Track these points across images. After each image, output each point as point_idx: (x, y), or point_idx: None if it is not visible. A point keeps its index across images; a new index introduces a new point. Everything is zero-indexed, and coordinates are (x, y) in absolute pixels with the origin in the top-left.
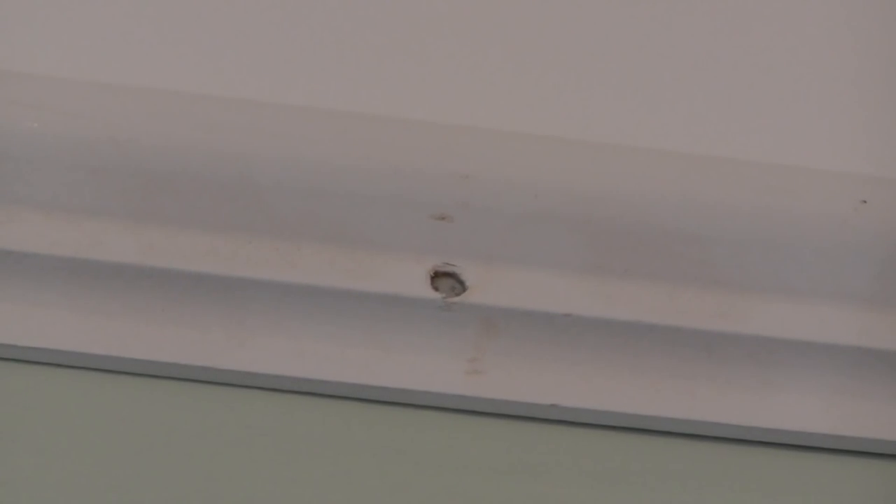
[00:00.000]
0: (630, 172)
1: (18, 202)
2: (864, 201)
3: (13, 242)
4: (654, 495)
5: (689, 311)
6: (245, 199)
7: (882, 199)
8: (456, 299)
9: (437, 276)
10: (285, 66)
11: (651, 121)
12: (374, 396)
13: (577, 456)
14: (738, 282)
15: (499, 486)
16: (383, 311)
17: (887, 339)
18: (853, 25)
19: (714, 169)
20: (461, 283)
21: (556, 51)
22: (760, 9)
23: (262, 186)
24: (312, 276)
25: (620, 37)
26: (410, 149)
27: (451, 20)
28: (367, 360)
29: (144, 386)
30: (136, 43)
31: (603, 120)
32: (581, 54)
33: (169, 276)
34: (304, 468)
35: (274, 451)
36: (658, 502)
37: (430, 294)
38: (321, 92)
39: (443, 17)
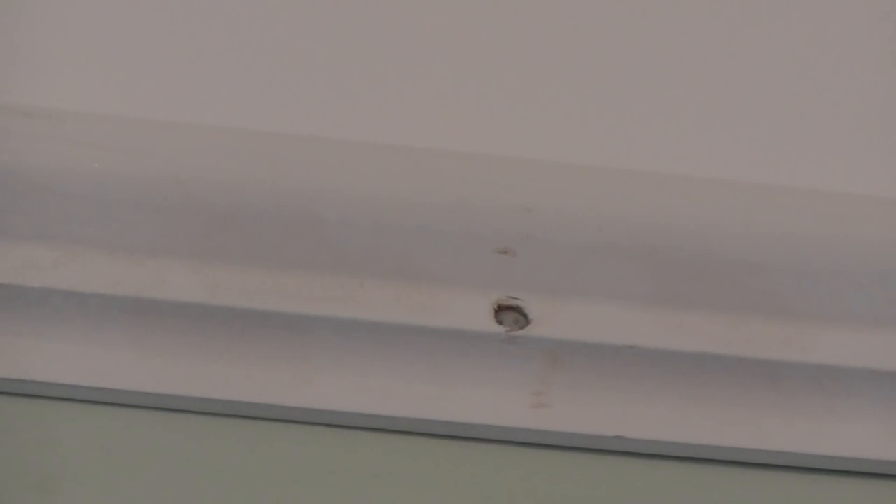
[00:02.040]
0: (692, 203)
1: (81, 242)
2: None
3: (77, 283)
4: None
5: (753, 340)
6: (308, 236)
7: None
8: (520, 333)
9: (500, 310)
10: (347, 101)
11: (713, 151)
12: (440, 431)
13: (643, 488)
14: (802, 310)
15: None
16: (448, 346)
17: None
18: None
19: (776, 198)
20: (525, 316)
21: (618, 81)
22: (815, 36)
23: (325, 222)
24: (376, 311)
25: (680, 68)
26: (473, 182)
27: (511, 53)
28: (433, 395)
29: (211, 425)
30: (198, 80)
31: (665, 151)
32: (642, 85)
33: (233, 315)
34: (371, 502)
35: (342, 487)
36: None
37: (494, 328)
38: (384, 127)
39: (503, 50)
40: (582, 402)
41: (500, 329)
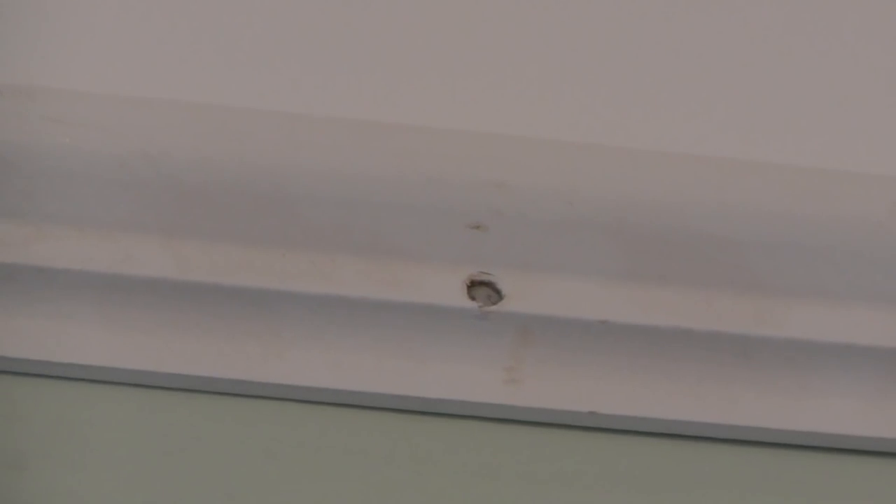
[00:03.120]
0: (664, 178)
1: (51, 218)
2: None
3: (46, 259)
4: (694, 502)
5: (725, 315)
6: (279, 212)
7: None
8: (492, 308)
9: (473, 286)
10: (317, 77)
11: (684, 125)
12: (411, 407)
13: (616, 463)
14: (775, 286)
15: (537, 494)
16: (419, 322)
17: None
18: (885, 23)
19: (748, 173)
20: (497, 291)
21: (588, 57)
22: (787, 8)
23: (295, 198)
24: (347, 287)
25: (650, 42)
26: (444, 158)
27: (481, 28)
28: (404, 371)
29: (180, 401)
30: (167, 56)
31: (636, 125)
32: (612, 60)
33: (204, 290)
34: (343, 480)
35: (312, 463)
36: None
37: (467, 303)
38: (353, 102)
39: (474, 25)
40: (555, 377)
41: (473, 304)
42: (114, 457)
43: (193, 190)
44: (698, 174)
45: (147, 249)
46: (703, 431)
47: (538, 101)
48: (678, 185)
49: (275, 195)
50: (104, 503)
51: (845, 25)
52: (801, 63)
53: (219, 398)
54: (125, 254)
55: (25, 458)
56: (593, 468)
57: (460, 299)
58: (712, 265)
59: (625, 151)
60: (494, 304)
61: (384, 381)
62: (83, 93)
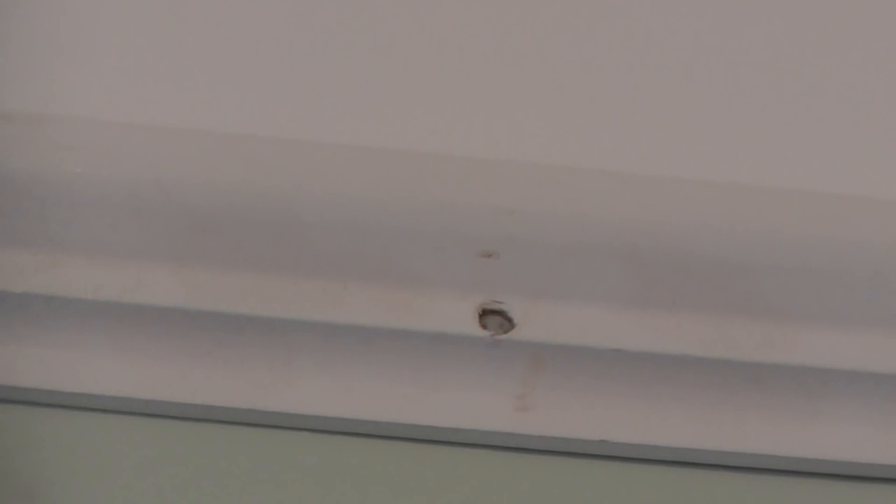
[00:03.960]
0: (675, 204)
1: (62, 247)
2: None
3: (57, 287)
4: None
5: (737, 342)
6: (290, 239)
7: None
8: (504, 336)
9: (484, 314)
10: (328, 103)
11: (695, 151)
12: (423, 435)
13: (628, 491)
14: (786, 312)
15: None
16: (431, 350)
17: None
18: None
19: (759, 198)
20: (509, 320)
21: (599, 83)
22: (801, 31)
23: (307, 225)
24: (359, 315)
25: (663, 68)
26: (455, 185)
27: (494, 54)
28: (416, 399)
29: (191, 430)
30: (178, 84)
31: (647, 151)
32: (623, 86)
33: (215, 319)
34: None
35: (323, 492)
36: None
37: (478, 332)
38: (365, 129)
39: (485, 52)
40: (566, 405)
41: (485, 333)
42: (125, 487)
43: (204, 218)
44: (709, 200)
45: (158, 278)
46: (715, 459)
47: (550, 128)
48: (689, 211)
49: (286, 222)
50: None
51: (858, 50)
52: (812, 88)
53: (230, 427)
54: (136, 282)
55: (36, 489)
56: (604, 497)
57: (472, 328)
58: (723, 291)
59: (636, 177)
60: (506, 332)
61: (395, 409)
62: (95, 120)
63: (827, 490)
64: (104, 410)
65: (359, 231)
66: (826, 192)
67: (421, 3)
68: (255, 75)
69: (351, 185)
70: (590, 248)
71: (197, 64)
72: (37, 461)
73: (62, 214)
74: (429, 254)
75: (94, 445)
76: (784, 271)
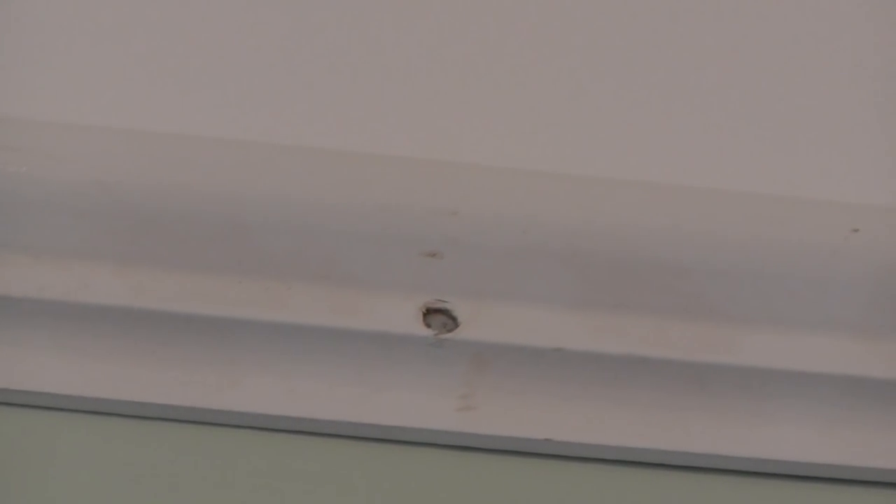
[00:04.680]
0: (618, 205)
1: (6, 247)
2: (856, 230)
3: (1, 287)
4: None
5: (680, 343)
6: (233, 239)
7: (873, 227)
8: (447, 336)
9: (428, 313)
10: (271, 105)
11: (637, 153)
12: (366, 434)
13: (571, 490)
14: (729, 313)
15: None
16: (375, 349)
17: (879, 367)
18: (837, 50)
19: (702, 200)
20: (453, 319)
21: (541, 85)
22: (742, 36)
23: (250, 226)
24: (303, 315)
25: (603, 70)
26: (399, 186)
27: (435, 56)
28: (359, 398)
29: (135, 428)
30: (120, 85)
31: (590, 153)
32: (566, 88)
33: (158, 318)
34: None
35: (265, 490)
36: None
37: (422, 331)
38: (308, 130)
39: (426, 54)
40: (510, 404)
41: (428, 332)
42: (68, 484)
43: (148, 218)
44: (652, 202)
45: (102, 277)
46: (658, 458)
47: (492, 130)
48: (632, 213)
49: (229, 223)
50: None
51: (799, 53)
52: (754, 90)
53: (174, 426)
54: (80, 282)
55: None
56: (549, 495)
57: (416, 327)
58: (666, 292)
59: (579, 179)
60: (450, 331)
61: (339, 408)
62: (37, 121)
63: (769, 490)
64: (49, 408)
65: (302, 232)
66: (768, 193)
67: (371, 7)
68: (197, 76)
69: (294, 187)
70: (533, 248)
71: (139, 65)
72: None
73: (6, 215)
74: (373, 254)
75: (38, 443)
76: (727, 273)
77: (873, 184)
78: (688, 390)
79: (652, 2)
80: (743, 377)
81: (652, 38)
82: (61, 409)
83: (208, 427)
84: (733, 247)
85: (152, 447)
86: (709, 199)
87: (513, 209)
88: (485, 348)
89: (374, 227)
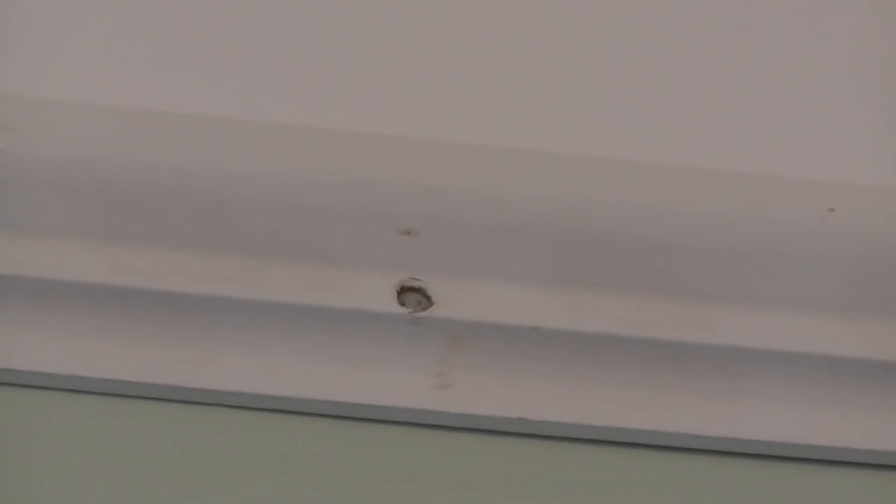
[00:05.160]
0: (595, 183)
1: None
2: (832, 209)
3: None
4: None
5: (657, 322)
6: (209, 217)
7: (850, 206)
8: (423, 314)
9: (403, 291)
10: (247, 81)
11: (615, 131)
12: (341, 412)
13: (547, 469)
14: (707, 292)
15: (467, 500)
16: (350, 327)
17: (857, 347)
18: (815, 32)
19: (680, 178)
20: (428, 297)
21: (519, 61)
22: (722, 17)
23: (226, 203)
24: (278, 292)
25: (582, 45)
26: (374, 163)
27: (412, 33)
28: (334, 376)
29: (110, 405)
30: (97, 61)
31: (568, 131)
32: (544, 64)
33: (134, 295)
34: (272, 485)
35: (242, 468)
36: None
37: (397, 309)
38: (283, 107)
39: (404, 30)
40: (485, 383)
41: (403, 310)
42: (43, 461)
43: (124, 194)
44: (628, 179)
45: (77, 254)
46: (636, 438)
47: (469, 106)
48: (609, 191)
49: (205, 200)
50: None
51: (778, 34)
52: (733, 67)
53: (149, 403)
54: (56, 259)
55: None
56: (523, 474)
57: (391, 305)
58: (644, 271)
59: (556, 157)
60: (425, 309)
61: (314, 386)
62: (13, 97)
63: (749, 470)
64: (23, 385)
65: (278, 209)
66: (748, 171)
67: None
68: (172, 52)
69: (270, 163)
70: (509, 226)
71: (117, 41)
72: None
73: None
74: (348, 231)
75: (12, 420)
76: (705, 251)
77: (850, 163)
78: (665, 369)
79: None
80: (720, 356)
81: (632, 18)
82: (37, 387)
83: (183, 405)
84: (710, 225)
85: (127, 425)
86: (686, 177)
87: (489, 187)
88: (461, 326)
89: (349, 204)
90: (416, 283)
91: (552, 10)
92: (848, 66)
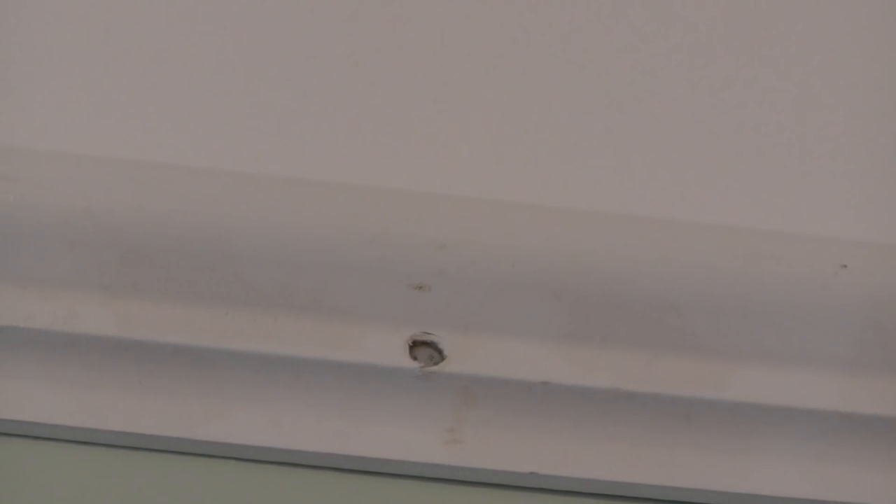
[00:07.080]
0: (606, 239)
1: None
2: (844, 266)
3: None
4: None
5: (667, 377)
6: (221, 270)
7: (862, 263)
8: (434, 368)
9: (415, 346)
10: (259, 136)
11: (627, 187)
12: (353, 466)
13: None
14: (717, 348)
15: None
16: (362, 381)
17: (867, 404)
18: (826, 85)
19: (691, 234)
20: (439, 352)
21: (531, 118)
22: (732, 71)
23: (238, 257)
24: (290, 346)
25: (594, 102)
26: (387, 218)
27: (425, 89)
28: (346, 430)
29: (123, 458)
30: (108, 114)
31: (578, 187)
32: (556, 121)
33: (146, 348)
34: None
35: None
36: None
37: (409, 364)
38: (296, 162)
39: (417, 87)
40: (496, 438)
41: (415, 365)
42: None
43: (136, 248)
44: (640, 236)
45: (89, 307)
46: (645, 493)
47: (481, 162)
48: (620, 247)
49: (217, 254)
50: None
51: (789, 88)
52: (744, 124)
53: (161, 456)
54: (67, 311)
55: None
56: None
57: (402, 359)
58: (654, 327)
59: (567, 212)
60: (436, 364)
61: (326, 440)
62: (26, 150)
63: None
64: (35, 438)
65: (290, 263)
66: (757, 228)
67: (360, 38)
68: (186, 106)
69: (282, 217)
70: (520, 281)
71: (127, 94)
72: None
73: None
74: (360, 286)
75: (25, 473)
76: (715, 308)
77: (863, 219)
78: (675, 425)
79: (641, 37)
80: (731, 412)
81: (641, 73)
82: (48, 439)
83: (194, 458)
84: (722, 282)
85: (138, 478)
86: (697, 233)
87: (500, 242)
88: (471, 381)
89: (361, 258)
90: (428, 338)
91: (567, 64)
92: (861, 122)
